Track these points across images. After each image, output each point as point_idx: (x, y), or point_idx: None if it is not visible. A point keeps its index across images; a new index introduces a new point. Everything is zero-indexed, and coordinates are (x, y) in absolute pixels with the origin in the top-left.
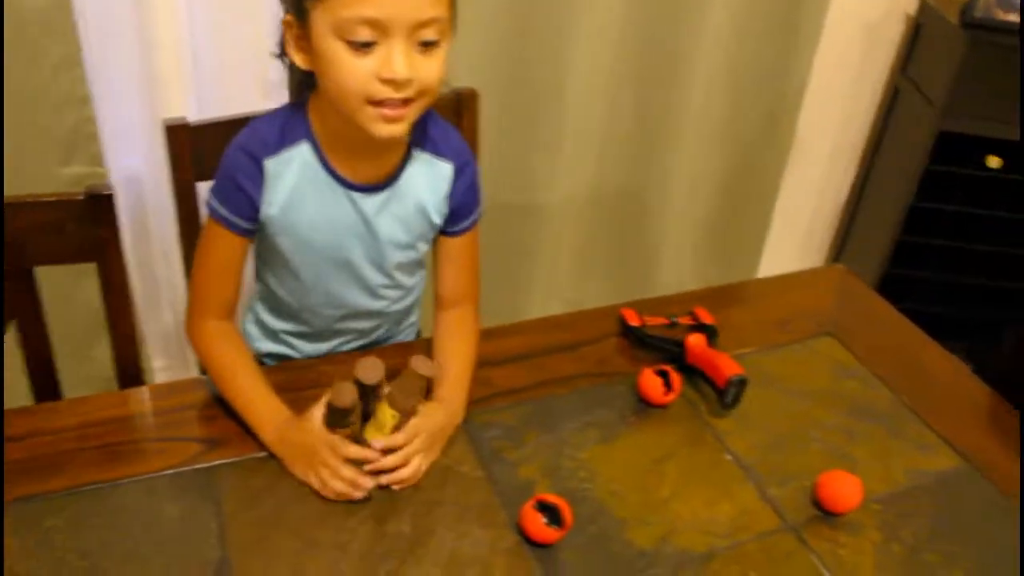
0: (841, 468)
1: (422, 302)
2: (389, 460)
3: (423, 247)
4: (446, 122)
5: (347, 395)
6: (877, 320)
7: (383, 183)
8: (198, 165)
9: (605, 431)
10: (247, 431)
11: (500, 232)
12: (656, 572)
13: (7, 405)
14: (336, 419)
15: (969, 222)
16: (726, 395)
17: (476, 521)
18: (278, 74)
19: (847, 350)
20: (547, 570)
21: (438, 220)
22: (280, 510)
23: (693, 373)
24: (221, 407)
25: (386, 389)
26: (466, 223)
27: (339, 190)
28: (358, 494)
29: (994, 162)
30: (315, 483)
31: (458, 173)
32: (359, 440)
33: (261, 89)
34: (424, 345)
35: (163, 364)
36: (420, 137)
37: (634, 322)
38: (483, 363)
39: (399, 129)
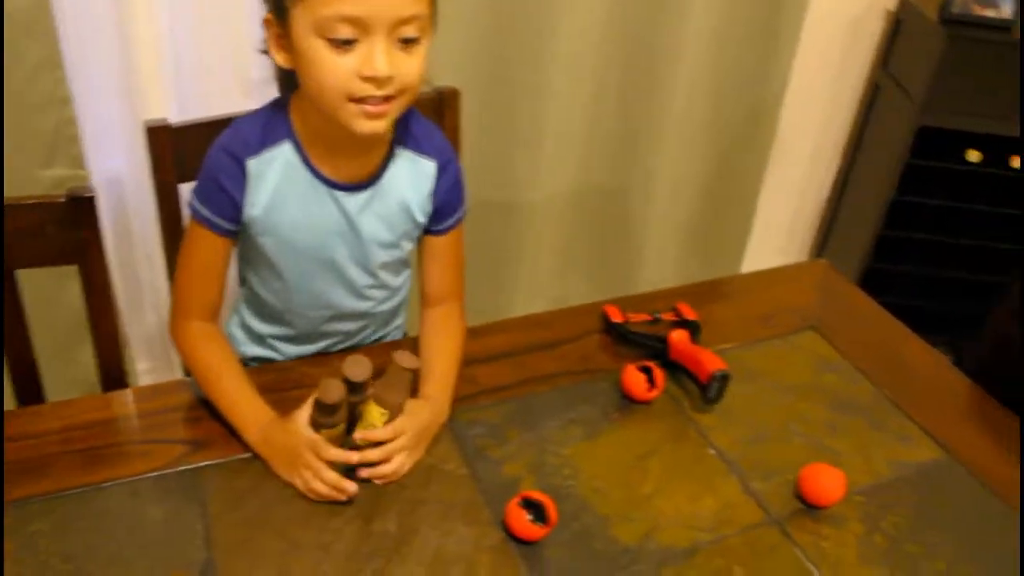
0: (824, 461)
1: (408, 303)
2: (372, 454)
3: (407, 246)
4: (428, 120)
5: (334, 391)
6: (859, 314)
7: (366, 182)
8: (180, 166)
9: (589, 428)
10: (231, 432)
11: (483, 231)
12: (640, 568)
13: None
14: (323, 417)
15: (949, 216)
16: (709, 390)
17: (461, 519)
18: (259, 73)
19: (829, 344)
20: (532, 567)
21: (422, 218)
22: (265, 511)
23: (676, 369)
24: (205, 409)
25: (371, 390)
26: (450, 221)
27: (322, 189)
28: (341, 497)
29: (974, 156)
30: (299, 485)
31: (441, 171)
32: (345, 443)
33: (242, 89)
34: (411, 344)
35: (147, 367)
36: (403, 135)
37: (617, 319)
38: (467, 361)
39: (381, 125)
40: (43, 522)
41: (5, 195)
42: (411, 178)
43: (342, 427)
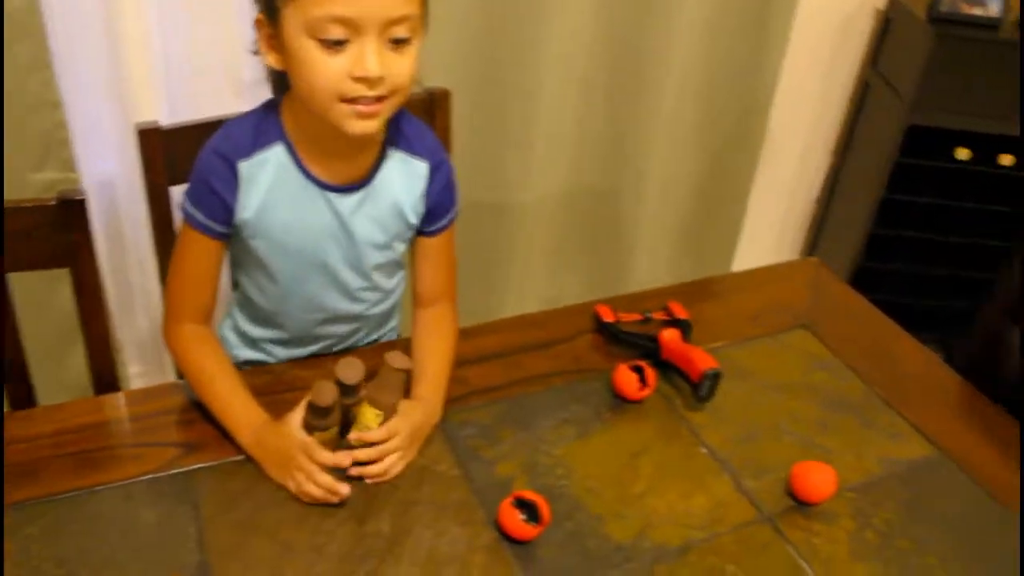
0: (815, 459)
1: (402, 306)
2: (367, 454)
3: (400, 247)
4: (420, 121)
5: (327, 394)
6: (850, 312)
7: (358, 183)
8: (171, 169)
9: (581, 427)
10: (224, 435)
11: (474, 231)
12: (633, 566)
13: None
14: (316, 419)
15: (939, 214)
16: (701, 389)
17: (454, 519)
18: (251, 74)
19: (820, 342)
20: (525, 566)
21: (414, 219)
22: (258, 513)
23: (668, 368)
24: (198, 411)
25: (364, 391)
26: (443, 222)
27: (314, 191)
28: (334, 499)
29: (963, 154)
30: (292, 487)
31: (434, 172)
32: (340, 446)
33: (233, 90)
34: (403, 344)
35: (139, 370)
36: (394, 136)
37: (608, 318)
38: (459, 362)
39: (373, 125)
40: (35, 526)
41: None
42: (403, 179)
43: (335, 430)
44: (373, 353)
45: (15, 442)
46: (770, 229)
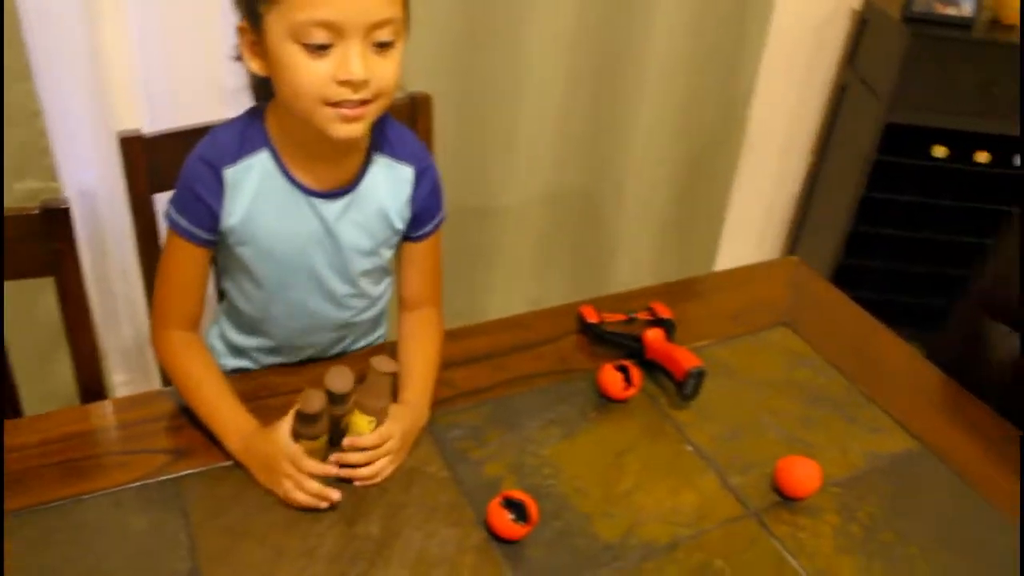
0: (799, 454)
1: (389, 314)
2: (357, 458)
3: (386, 253)
4: (405, 127)
5: (315, 401)
6: (831, 309)
7: (343, 189)
8: (154, 177)
9: (567, 427)
10: (212, 440)
11: (458, 234)
12: (622, 564)
13: None
14: (304, 427)
15: (917, 211)
16: (685, 387)
17: (443, 520)
18: (233, 81)
19: (802, 339)
20: (515, 566)
21: (400, 225)
22: (248, 518)
23: (652, 367)
24: (185, 417)
25: (353, 398)
26: (429, 227)
27: (299, 197)
28: (323, 504)
29: (940, 152)
30: (280, 494)
31: (420, 177)
32: (327, 456)
33: (215, 98)
34: (389, 348)
35: (124, 379)
36: (379, 141)
37: (592, 319)
38: (445, 364)
39: (358, 129)
40: (23, 536)
41: None
42: (389, 184)
43: (324, 439)
44: (359, 358)
45: None
46: (751, 228)
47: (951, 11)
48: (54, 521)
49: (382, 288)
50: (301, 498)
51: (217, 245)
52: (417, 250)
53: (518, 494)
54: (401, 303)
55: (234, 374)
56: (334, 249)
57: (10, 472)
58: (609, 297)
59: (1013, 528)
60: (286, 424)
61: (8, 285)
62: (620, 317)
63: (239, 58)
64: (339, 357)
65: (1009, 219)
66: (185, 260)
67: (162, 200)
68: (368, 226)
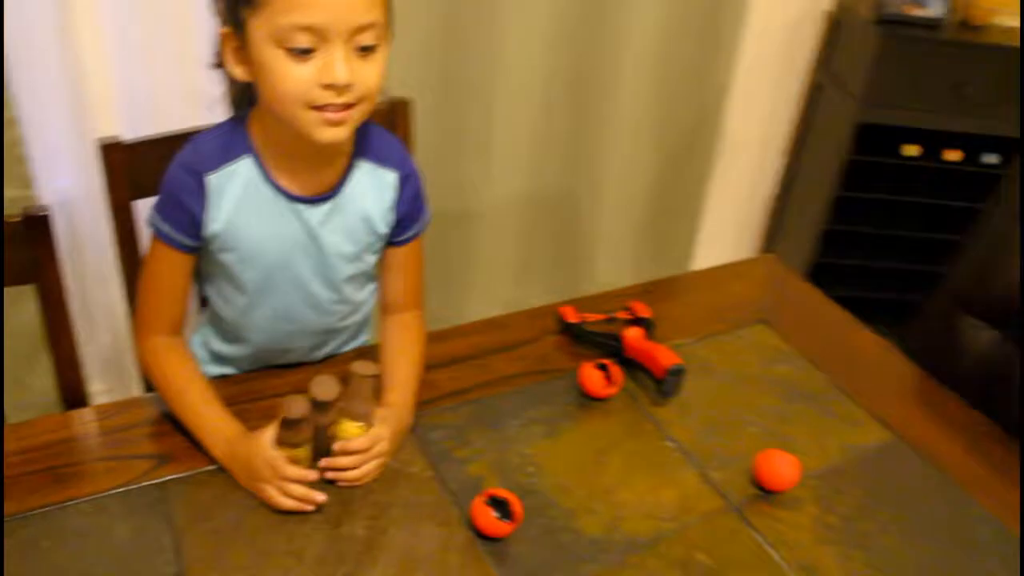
0: (778, 448)
1: (372, 322)
2: (348, 461)
3: (370, 259)
4: (388, 132)
5: (298, 407)
6: (808, 306)
7: (327, 194)
8: (134, 184)
9: (549, 426)
10: (196, 445)
11: (436, 237)
12: (606, 558)
13: None
14: (288, 434)
15: (891, 209)
16: (665, 385)
17: (428, 520)
18: (210, 89)
19: (780, 336)
20: (500, 563)
21: (384, 230)
22: (233, 521)
23: (632, 366)
24: (168, 423)
25: (339, 405)
26: (413, 231)
27: (283, 203)
28: (309, 507)
29: (911, 150)
30: (265, 499)
31: (404, 182)
32: (312, 464)
33: (193, 105)
34: (370, 351)
35: (102, 388)
36: (363, 147)
37: (572, 319)
38: (427, 366)
39: (342, 133)
40: (7, 544)
41: None
42: (373, 190)
43: (308, 448)
44: (340, 363)
45: None
46: (728, 228)
47: (920, 12)
48: (38, 528)
49: (365, 294)
50: (286, 503)
51: (200, 251)
52: (400, 254)
53: (502, 492)
54: (384, 307)
55: (218, 379)
56: (318, 255)
57: None
58: (588, 297)
59: (989, 516)
60: (270, 431)
61: None
62: (600, 317)
63: (218, 66)
64: (322, 362)
65: (980, 215)
66: (168, 266)
67: (142, 207)
68: (352, 232)
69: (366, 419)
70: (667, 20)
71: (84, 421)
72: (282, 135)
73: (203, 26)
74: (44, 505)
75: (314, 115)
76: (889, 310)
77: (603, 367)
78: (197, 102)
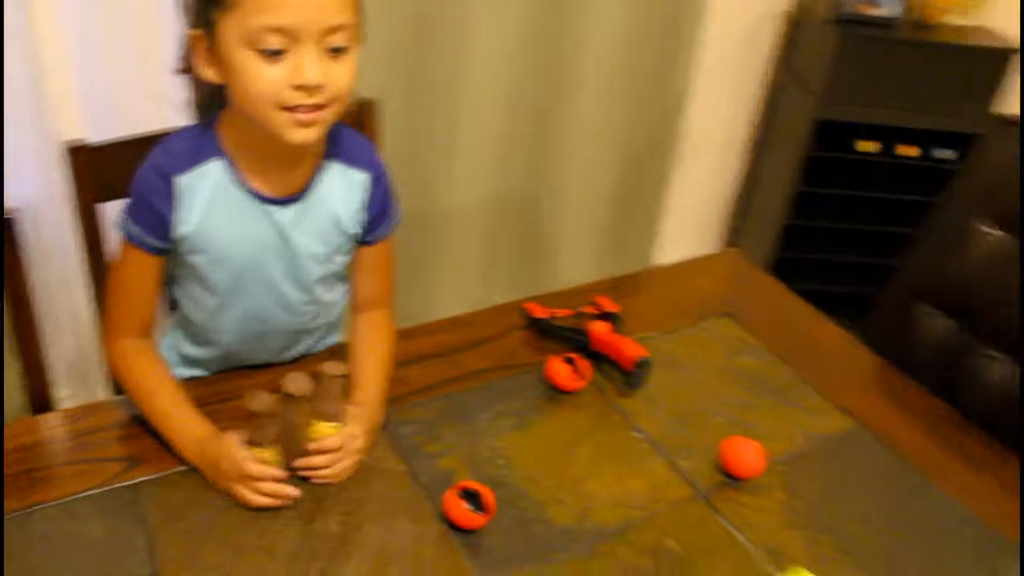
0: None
1: (343, 322)
2: (324, 460)
3: (341, 259)
4: (358, 133)
5: (260, 401)
6: (771, 299)
7: (297, 195)
8: (100, 186)
9: (518, 419)
10: (166, 447)
11: (404, 237)
12: (577, 547)
13: None
14: (255, 432)
15: (850, 204)
16: (632, 377)
17: (402, 514)
18: (174, 89)
19: (743, 329)
20: (473, 555)
21: (354, 230)
22: (207, 521)
23: (599, 359)
24: (138, 425)
25: (310, 408)
26: (383, 231)
27: (253, 204)
28: (282, 503)
29: (869, 146)
30: (238, 498)
31: (374, 183)
32: (286, 466)
33: (156, 106)
34: (338, 350)
35: (67, 393)
36: (333, 148)
37: (539, 314)
38: (396, 363)
39: (313, 134)
40: None
41: None
42: (343, 191)
43: (275, 448)
44: (309, 364)
45: None
46: (690, 226)
47: (876, 12)
48: (11, 533)
49: (336, 295)
50: (258, 499)
51: (170, 253)
52: (370, 253)
53: (474, 484)
54: (354, 305)
55: (188, 381)
56: (288, 256)
57: None
58: (554, 293)
59: (949, 499)
60: (240, 432)
61: None
62: (566, 312)
63: (184, 71)
64: (293, 363)
65: (933, 208)
66: (138, 269)
67: (108, 209)
68: (322, 232)
69: (338, 418)
70: (628, 24)
71: (52, 425)
72: (253, 136)
73: (165, 27)
74: (14, 510)
75: (285, 116)
76: (848, 303)
77: (571, 361)
78: (160, 103)
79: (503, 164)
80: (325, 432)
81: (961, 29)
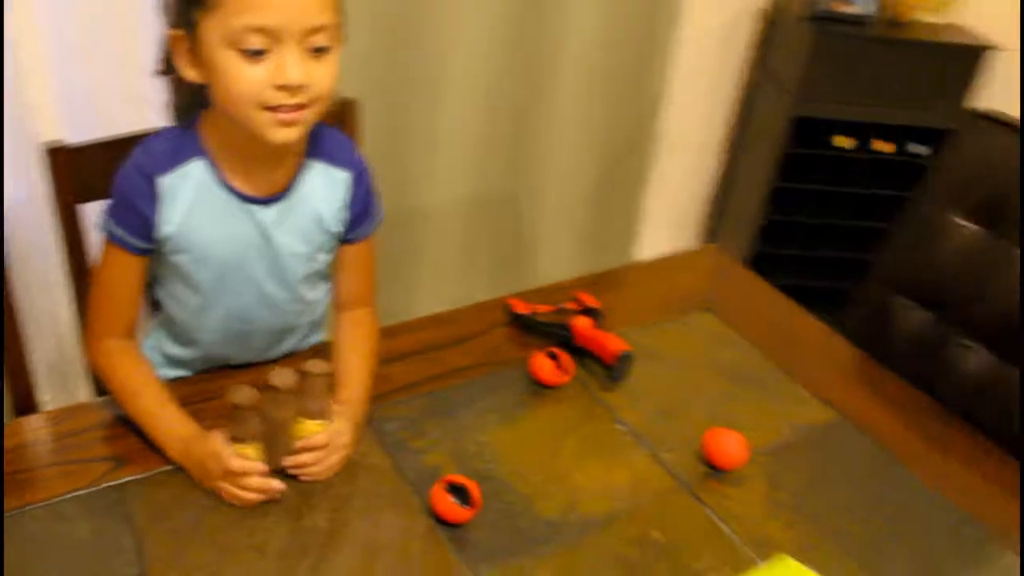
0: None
1: (326, 321)
2: (312, 457)
3: (323, 258)
4: (339, 132)
5: (242, 394)
6: (750, 294)
7: (280, 194)
8: (80, 188)
9: (503, 414)
10: (152, 446)
11: (383, 236)
12: (563, 538)
13: None
14: (236, 426)
15: (827, 200)
16: (615, 371)
17: (389, 509)
18: (151, 90)
19: (724, 323)
20: (460, 549)
21: (337, 229)
22: (194, 520)
23: (582, 354)
24: (123, 425)
25: (295, 407)
26: (366, 230)
27: (235, 204)
28: (268, 497)
29: (844, 142)
30: (224, 496)
31: (356, 181)
32: (273, 462)
33: (134, 107)
34: (326, 349)
35: (47, 398)
36: (314, 147)
37: (522, 310)
38: (380, 361)
39: (295, 133)
40: None
41: None
42: (325, 189)
43: (258, 445)
44: (293, 364)
45: None
46: (671, 222)
47: (850, 9)
48: None
49: (319, 293)
50: (244, 496)
51: (152, 254)
52: (353, 251)
53: (460, 478)
54: (337, 304)
55: (172, 381)
56: (271, 255)
57: None
58: (536, 290)
59: (927, 488)
60: (224, 429)
61: None
62: (549, 308)
63: (163, 73)
64: (276, 362)
65: (908, 203)
66: (121, 269)
67: (90, 211)
68: (305, 231)
69: (324, 416)
70: (605, 24)
71: (36, 427)
72: (235, 136)
73: (143, 28)
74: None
75: (267, 116)
76: (826, 297)
77: (554, 356)
78: (139, 105)
79: (483, 164)
80: (312, 430)
81: (933, 26)
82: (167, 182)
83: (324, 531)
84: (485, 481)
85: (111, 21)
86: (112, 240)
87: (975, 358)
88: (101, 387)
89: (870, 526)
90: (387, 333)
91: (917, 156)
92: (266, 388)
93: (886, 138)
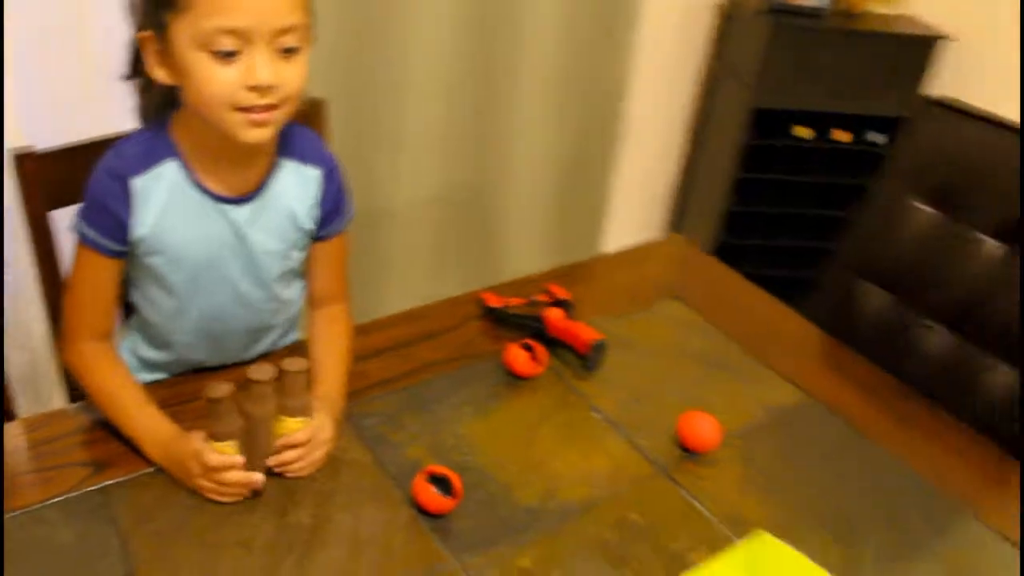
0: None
1: (302, 320)
2: (294, 454)
3: (297, 255)
4: (309, 129)
5: (219, 388)
6: (716, 281)
7: (252, 193)
8: (49, 194)
9: (479, 406)
10: (133, 449)
11: (352, 235)
12: (543, 525)
13: None
14: (214, 424)
15: (787, 189)
16: (589, 360)
17: (371, 502)
18: (114, 94)
19: (692, 310)
20: (443, 538)
21: (309, 226)
22: (179, 520)
23: (556, 345)
24: (101, 430)
25: (276, 405)
26: (338, 226)
27: (208, 204)
28: (250, 491)
29: (803, 132)
30: (206, 494)
31: (327, 178)
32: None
33: (96, 111)
34: (302, 347)
35: (20, 406)
36: (285, 146)
37: (494, 303)
38: (355, 357)
39: (266, 133)
40: None
41: None
42: (297, 187)
43: (235, 443)
44: (270, 363)
45: None
46: (636, 215)
47: (805, 2)
48: None
49: (294, 291)
50: (227, 492)
51: (127, 256)
52: (325, 248)
53: (441, 469)
54: (311, 301)
55: (149, 384)
56: (246, 254)
57: None
58: (506, 284)
59: (895, 462)
60: (202, 430)
61: None
62: (521, 300)
63: (130, 76)
64: (252, 362)
65: (868, 190)
66: (95, 272)
67: (60, 217)
68: (278, 229)
69: (304, 413)
70: (565, 22)
71: (14, 434)
72: (207, 137)
73: (106, 31)
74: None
75: (239, 116)
76: (788, 285)
77: (528, 347)
78: (104, 108)
79: (449, 162)
80: (292, 427)
81: (885, 18)
82: (140, 184)
83: (308, 526)
84: (465, 472)
85: (71, 24)
86: (85, 243)
87: (936, 338)
88: (75, 394)
89: (842, 501)
90: (361, 331)
91: (874, 144)
92: (244, 384)
93: (844, 127)
